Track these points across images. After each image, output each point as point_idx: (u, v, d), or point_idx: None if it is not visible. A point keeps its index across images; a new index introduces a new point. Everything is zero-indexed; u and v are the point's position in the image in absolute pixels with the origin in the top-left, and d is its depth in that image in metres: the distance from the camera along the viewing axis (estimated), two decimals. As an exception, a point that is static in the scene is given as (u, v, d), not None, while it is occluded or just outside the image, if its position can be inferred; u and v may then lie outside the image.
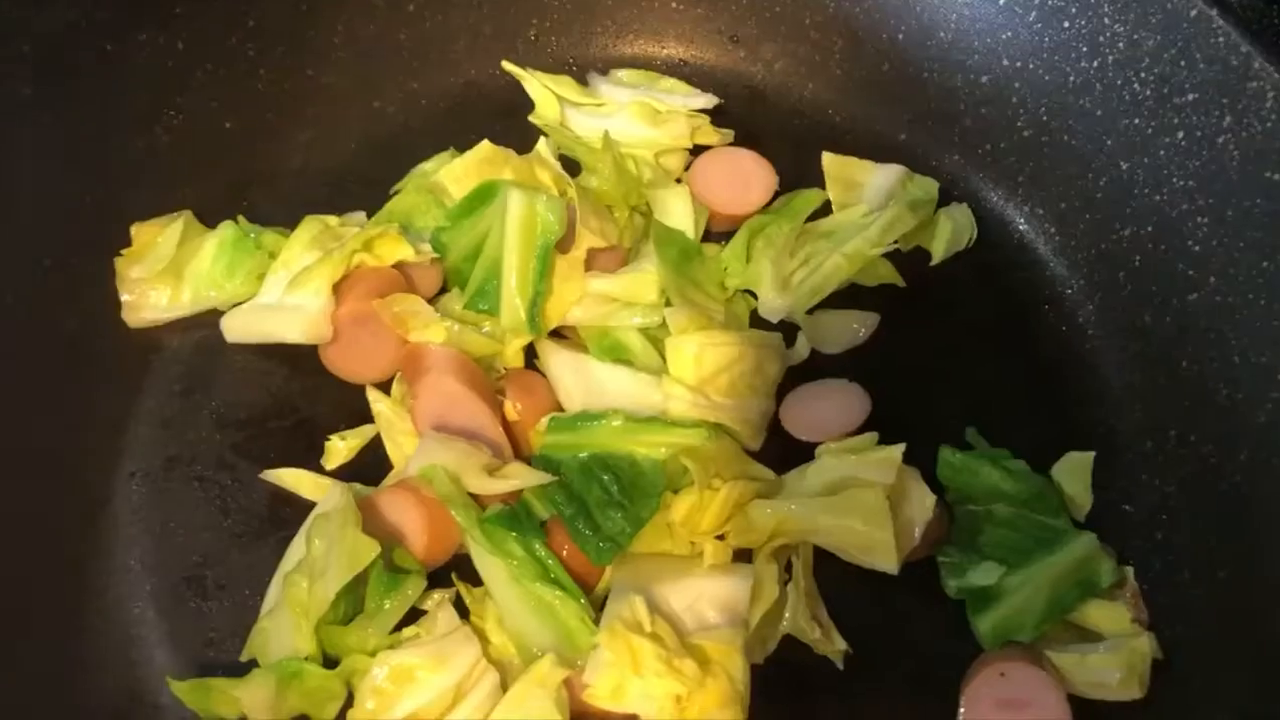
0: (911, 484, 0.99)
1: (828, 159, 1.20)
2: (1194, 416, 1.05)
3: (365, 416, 1.07)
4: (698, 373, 1.03)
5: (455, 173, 1.14)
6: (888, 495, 0.96)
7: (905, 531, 0.97)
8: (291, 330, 1.06)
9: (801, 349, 1.12)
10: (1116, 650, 0.94)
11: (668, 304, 1.08)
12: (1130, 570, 1.00)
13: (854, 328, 1.14)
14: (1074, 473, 1.06)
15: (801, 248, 1.16)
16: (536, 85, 1.26)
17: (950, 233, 1.18)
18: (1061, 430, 1.09)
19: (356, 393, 1.08)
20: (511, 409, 1.04)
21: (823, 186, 1.20)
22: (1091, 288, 1.16)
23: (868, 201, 1.19)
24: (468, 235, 1.09)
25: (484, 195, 1.08)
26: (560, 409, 1.06)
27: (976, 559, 1.00)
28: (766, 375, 1.07)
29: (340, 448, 1.06)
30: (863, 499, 0.96)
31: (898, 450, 0.98)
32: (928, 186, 1.19)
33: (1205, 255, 1.07)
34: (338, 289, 1.06)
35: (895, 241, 1.14)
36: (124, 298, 1.10)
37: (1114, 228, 1.14)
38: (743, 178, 1.19)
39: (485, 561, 0.96)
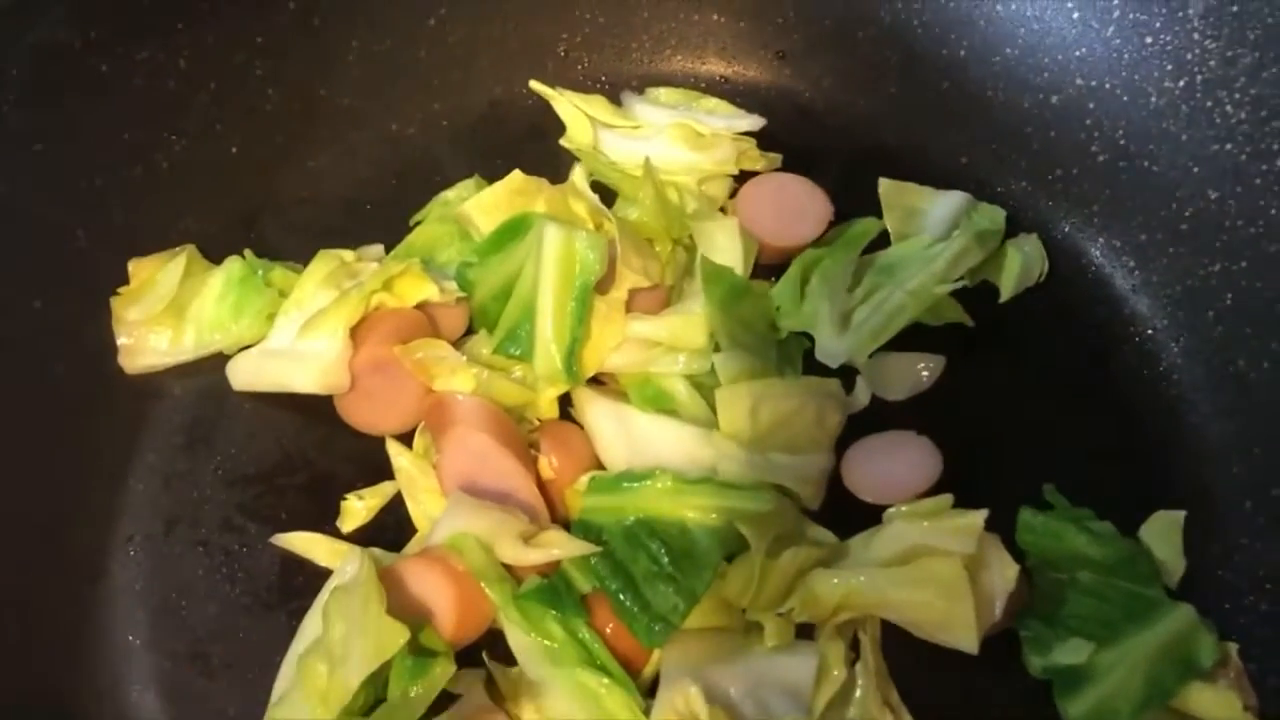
0: (992, 552, 0.89)
1: (884, 185, 1.10)
2: (1294, 478, 0.95)
3: (385, 472, 0.98)
4: (754, 428, 0.93)
5: (483, 204, 1.05)
6: (966, 566, 0.87)
7: (985, 605, 0.88)
8: (304, 379, 0.97)
9: (861, 395, 1.03)
10: None
11: (716, 349, 0.98)
12: (1233, 647, 0.90)
13: (918, 371, 1.05)
14: (1164, 535, 0.96)
15: (860, 283, 1.06)
16: (567, 106, 1.16)
17: (1020, 266, 1.08)
18: (1148, 487, 0.99)
19: (375, 446, 0.99)
20: (546, 466, 0.95)
21: (879, 214, 1.10)
22: (1176, 328, 1.07)
23: (929, 231, 1.09)
24: (497, 273, 1.00)
25: (516, 229, 1.00)
26: (600, 466, 0.97)
27: (1063, 634, 0.90)
28: (827, 427, 0.98)
29: (358, 508, 0.97)
30: (939, 570, 0.87)
31: (979, 517, 0.88)
32: (994, 215, 1.10)
33: (1308, 296, 0.97)
34: (355, 333, 0.97)
35: (962, 277, 1.05)
36: (121, 341, 1.02)
37: (1202, 263, 1.05)
38: (794, 207, 1.09)
39: (522, 642, 0.87)
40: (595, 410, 0.98)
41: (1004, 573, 0.88)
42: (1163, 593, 0.93)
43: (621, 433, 0.97)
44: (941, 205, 1.11)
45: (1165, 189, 1.07)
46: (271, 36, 1.10)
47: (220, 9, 1.07)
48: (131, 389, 1.01)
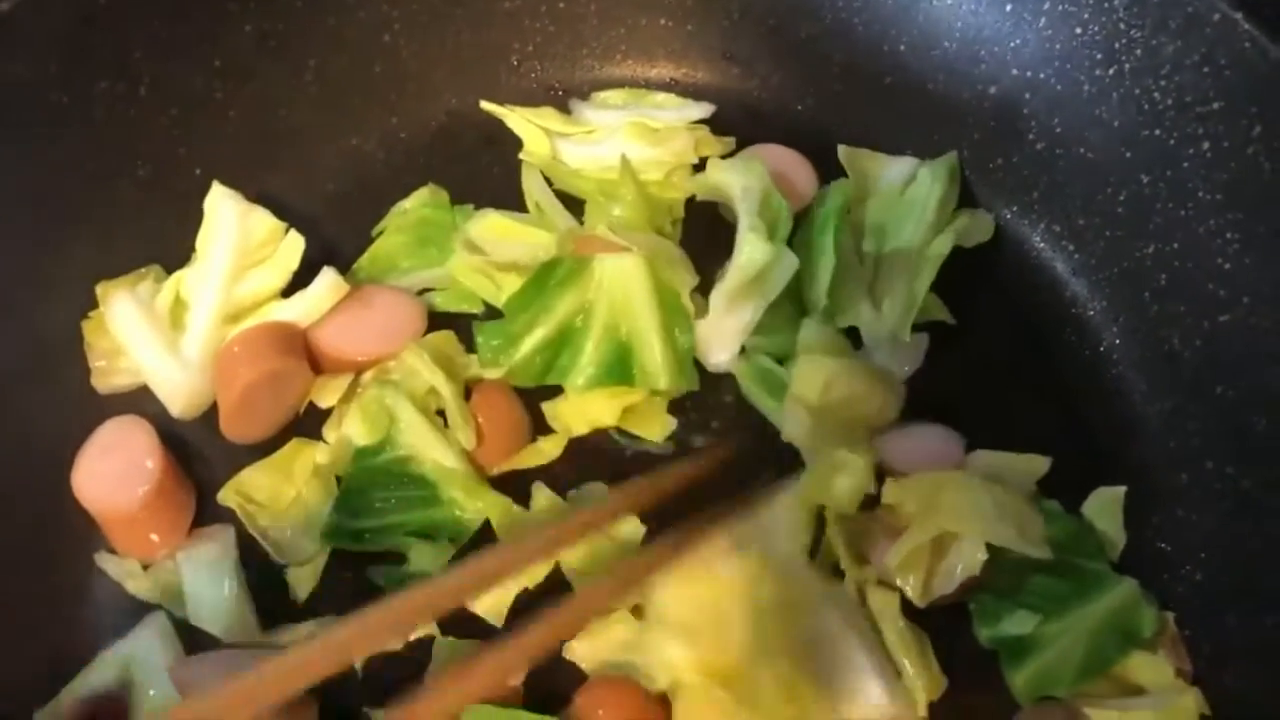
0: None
1: (843, 151, 1.16)
2: (1231, 447, 0.99)
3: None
4: (822, 399, 0.99)
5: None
6: (937, 540, 0.92)
7: (945, 578, 0.93)
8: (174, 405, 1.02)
9: None
10: (1160, 707, 0.89)
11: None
12: (1170, 616, 0.95)
13: (908, 356, 1.07)
14: (1105, 510, 1.00)
15: (862, 257, 1.11)
16: (520, 121, 1.19)
17: (965, 226, 1.11)
18: (1089, 464, 1.03)
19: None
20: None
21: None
22: (1114, 309, 1.10)
23: (885, 193, 1.15)
24: (545, 324, 1.04)
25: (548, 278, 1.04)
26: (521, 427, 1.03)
27: (1011, 606, 0.94)
28: (884, 417, 1.02)
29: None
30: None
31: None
32: (947, 159, 1.15)
33: (1236, 273, 1.00)
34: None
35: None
36: (94, 364, 1.04)
37: (1137, 245, 1.08)
38: (785, 174, 1.13)
39: None
40: None
41: (973, 553, 0.92)
42: (1107, 566, 0.97)
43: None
44: (894, 169, 1.16)
45: (1100, 174, 1.10)
46: (229, 60, 1.12)
47: (177, 36, 1.09)
48: (107, 410, 1.02)
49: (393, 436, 0.99)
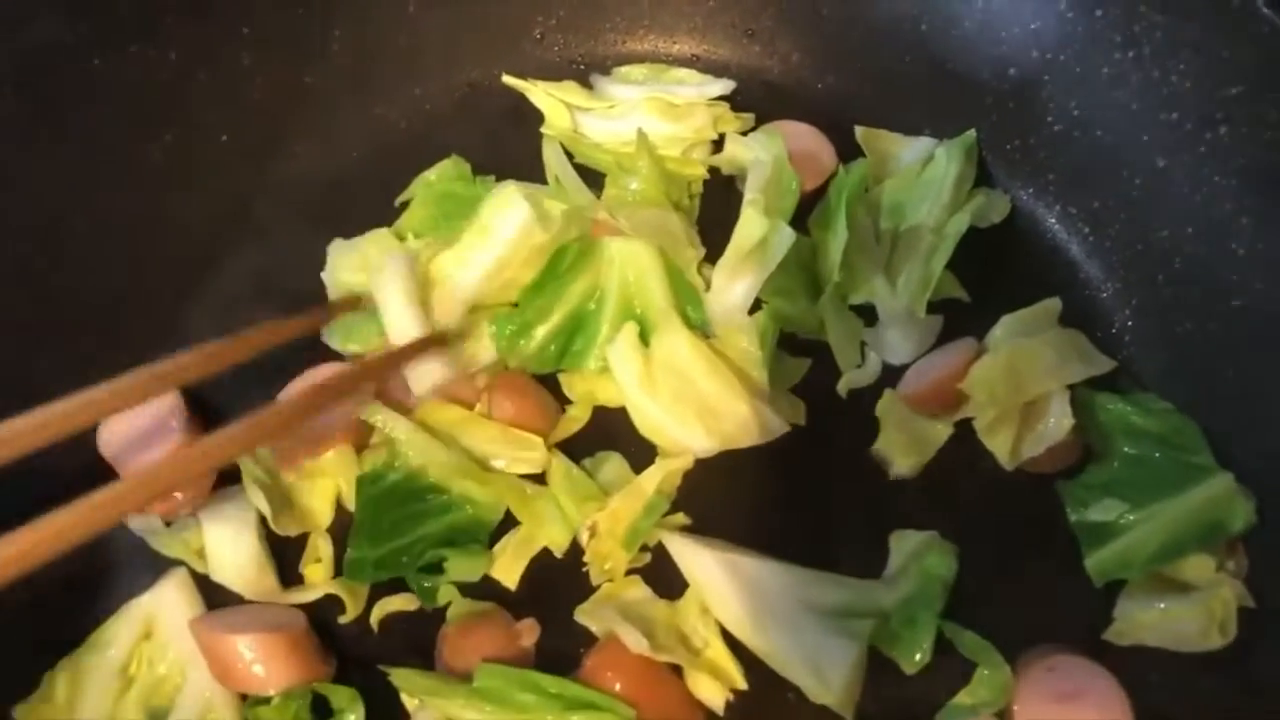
0: (1056, 403, 0.98)
1: (861, 132, 1.18)
2: (1241, 433, 0.99)
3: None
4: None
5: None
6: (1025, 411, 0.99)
7: (1033, 442, 0.99)
8: None
9: (872, 366, 1.08)
10: (1200, 601, 0.92)
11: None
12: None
13: (922, 333, 1.09)
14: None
15: (879, 236, 1.12)
16: (542, 95, 1.21)
17: (981, 206, 1.12)
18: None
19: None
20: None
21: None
22: (1128, 292, 1.11)
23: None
24: (560, 310, 1.05)
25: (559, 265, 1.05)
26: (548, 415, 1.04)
27: (1100, 494, 0.98)
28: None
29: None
30: None
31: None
32: (964, 139, 1.16)
33: (1250, 258, 1.01)
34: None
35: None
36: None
37: (1152, 228, 1.09)
38: (805, 151, 1.15)
39: None
40: (700, 562, 0.95)
41: (1060, 421, 0.98)
42: (1210, 459, 0.98)
43: (732, 580, 0.93)
44: (911, 150, 1.18)
45: (1117, 158, 1.10)
46: (259, 28, 1.14)
47: (208, 2, 1.10)
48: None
49: (399, 455, 0.99)
